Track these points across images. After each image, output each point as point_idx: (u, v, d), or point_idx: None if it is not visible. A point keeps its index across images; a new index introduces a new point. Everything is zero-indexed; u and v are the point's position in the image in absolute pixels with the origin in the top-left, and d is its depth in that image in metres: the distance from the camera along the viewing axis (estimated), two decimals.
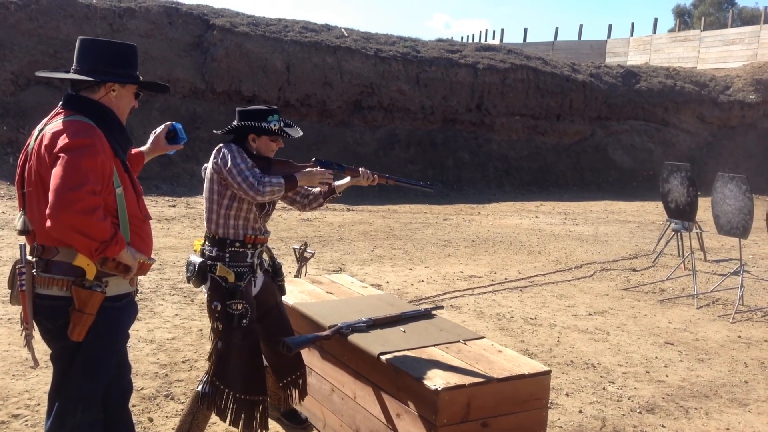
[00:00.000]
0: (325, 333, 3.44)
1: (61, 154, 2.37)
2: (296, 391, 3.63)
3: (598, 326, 6.16)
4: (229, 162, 3.10)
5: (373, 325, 3.50)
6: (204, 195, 3.32)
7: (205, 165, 3.38)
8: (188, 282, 3.32)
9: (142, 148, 3.08)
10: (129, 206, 2.58)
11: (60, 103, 2.60)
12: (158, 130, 3.11)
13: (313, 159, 3.48)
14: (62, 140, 2.40)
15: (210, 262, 3.24)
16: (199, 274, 3.22)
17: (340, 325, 3.45)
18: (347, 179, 3.56)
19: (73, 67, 2.61)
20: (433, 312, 3.79)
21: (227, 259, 3.25)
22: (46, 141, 2.45)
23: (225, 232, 3.25)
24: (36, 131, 2.56)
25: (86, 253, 2.42)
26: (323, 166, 3.38)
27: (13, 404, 3.94)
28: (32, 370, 4.36)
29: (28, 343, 2.56)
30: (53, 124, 2.51)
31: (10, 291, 2.60)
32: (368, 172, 3.52)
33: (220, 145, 3.23)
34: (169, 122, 3.17)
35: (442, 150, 17.35)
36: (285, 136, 3.34)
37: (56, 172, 2.34)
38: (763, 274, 8.66)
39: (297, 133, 3.43)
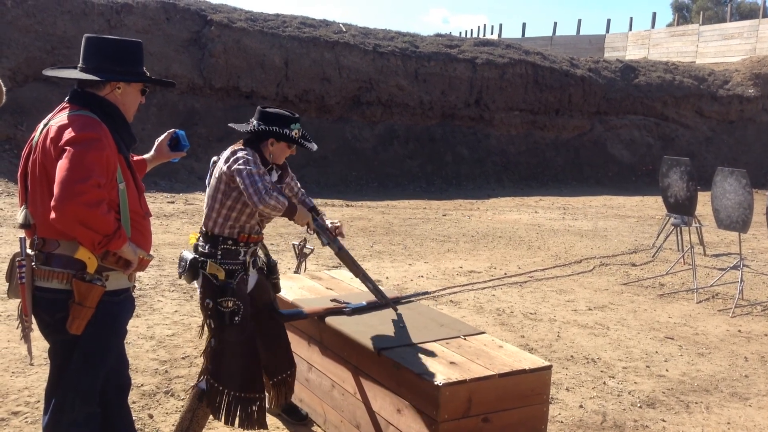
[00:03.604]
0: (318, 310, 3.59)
1: (68, 147, 2.38)
2: (285, 390, 3.62)
3: (598, 321, 6.15)
4: (243, 166, 3.08)
5: (366, 308, 3.65)
6: (207, 192, 3.30)
7: (215, 158, 3.37)
8: (180, 277, 3.31)
9: (145, 156, 3.09)
10: (130, 202, 2.59)
11: (66, 99, 2.60)
12: (161, 137, 3.13)
13: (319, 215, 3.56)
14: (68, 133, 2.41)
15: (201, 258, 3.23)
16: (190, 270, 3.22)
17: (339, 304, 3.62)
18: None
19: (79, 65, 2.62)
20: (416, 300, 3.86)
21: (219, 257, 3.23)
22: (51, 134, 2.46)
23: (221, 230, 3.24)
24: (41, 125, 2.57)
25: (89, 245, 2.42)
26: (319, 225, 3.44)
27: (13, 401, 3.93)
28: (31, 367, 4.35)
29: (26, 336, 2.56)
30: (59, 117, 2.52)
31: (7, 284, 2.60)
32: (341, 235, 3.59)
33: (238, 148, 3.22)
34: (172, 130, 3.17)
35: (440, 145, 17.32)
36: (303, 146, 3.39)
37: (62, 165, 2.35)
38: (762, 268, 8.66)
39: (313, 147, 3.48)
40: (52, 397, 2.60)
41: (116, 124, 2.57)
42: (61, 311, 2.48)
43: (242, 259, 3.29)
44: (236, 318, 3.19)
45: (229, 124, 3.55)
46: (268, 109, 3.34)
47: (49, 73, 2.82)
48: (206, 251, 3.24)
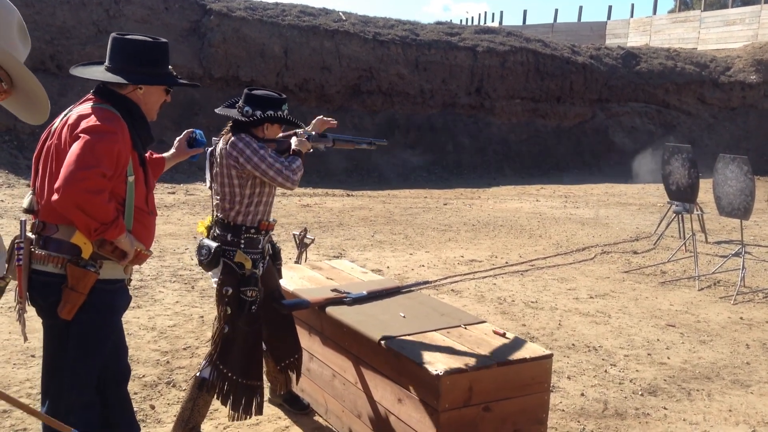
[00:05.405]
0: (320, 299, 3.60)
1: (82, 135, 2.43)
2: (294, 373, 3.65)
3: (599, 309, 6.15)
4: (255, 158, 3.16)
5: (366, 298, 3.64)
6: (217, 187, 3.32)
7: (209, 148, 3.38)
8: (199, 265, 3.33)
9: (165, 154, 3.15)
10: (137, 198, 2.62)
11: (91, 91, 2.66)
12: (180, 136, 3.21)
13: (302, 131, 3.56)
14: (86, 123, 2.47)
15: (225, 247, 3.25)
16: (214, 259, 3.23)
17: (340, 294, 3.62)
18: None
19: (105, 64, 2.67)
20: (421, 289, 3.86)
21: (242, 246, 3.27)
22: (70, 121, 2.51)
23: (243, 219, 3.28)
24: (63, 113, 2.62)
25: (85, 231, 2.45)
26: (313, 139, 3.58)
27: (15, 393, 3.94)
28: (33, 358, 4.36)
29: (21, 317, 2.58)
30: (81, 107, 2.58)
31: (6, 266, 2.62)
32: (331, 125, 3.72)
33: (234, 138, 3.23)
34: (190, 129, 3.26)
35: (441, 134, 17.28)
36: (297, 125, 3.46)
37: (73, 150, 2.40)
38: (764, 255, 8.65)
39: (302, 125, 3.54)
40: (48, 385, 2.63)
41: (135, 121, 2.62)
42: (53, 295, 2.50)
43: (261, 248, 3.35)
44: (254, 307, 3.25)
45: (216, 110, 3.49)
46: (256, 93, 3.34)
47: (76, 72, 2.78)
48: (228, 240, 3.27)
